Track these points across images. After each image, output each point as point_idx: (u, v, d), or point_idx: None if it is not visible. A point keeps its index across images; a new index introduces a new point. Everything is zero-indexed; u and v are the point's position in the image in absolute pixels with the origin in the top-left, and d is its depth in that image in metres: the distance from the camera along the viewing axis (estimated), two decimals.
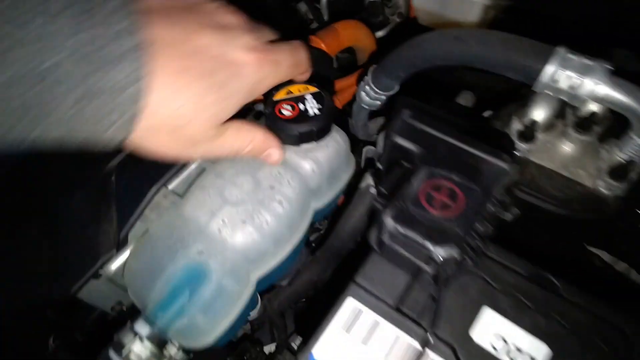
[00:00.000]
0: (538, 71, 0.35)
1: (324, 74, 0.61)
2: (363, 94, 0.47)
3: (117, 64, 0.21)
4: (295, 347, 0.61)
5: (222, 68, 0.26)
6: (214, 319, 0.37)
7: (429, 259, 0.27)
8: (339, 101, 0.62)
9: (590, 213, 0.37)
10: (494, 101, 0.49)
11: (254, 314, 0.52)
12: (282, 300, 0.47)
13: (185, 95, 0.24)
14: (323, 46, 0.62)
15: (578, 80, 0.33)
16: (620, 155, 0.37)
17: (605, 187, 0.38)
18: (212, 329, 0.37)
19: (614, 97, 0.33)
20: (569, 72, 0.34)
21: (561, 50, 0.34)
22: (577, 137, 0.40)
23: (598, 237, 0.38)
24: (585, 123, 0.39)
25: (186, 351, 0.42)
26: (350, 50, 0.69)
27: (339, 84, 0.63)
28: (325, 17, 0.71)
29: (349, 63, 0.71)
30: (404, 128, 0.32)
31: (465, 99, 0.57)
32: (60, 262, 0.36)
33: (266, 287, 0.49)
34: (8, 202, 0.38)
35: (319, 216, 0.48)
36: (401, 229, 0.27)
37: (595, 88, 0.33)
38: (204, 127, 0.26)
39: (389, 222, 0.28)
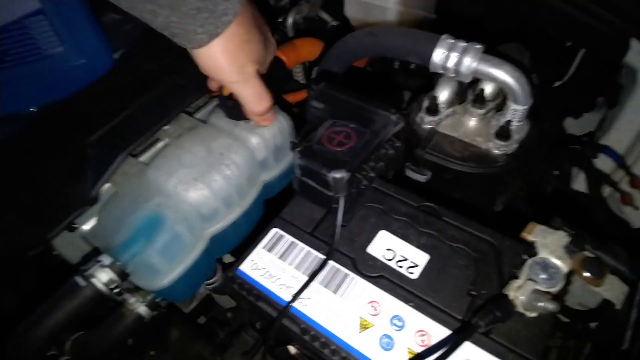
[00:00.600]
0: (430, 53, 0.44)
1: (279, 78, 0.70)
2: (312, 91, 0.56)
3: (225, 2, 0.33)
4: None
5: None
6: (169, 262, 0.43)
7: (327, 183, 0.34)
8: (299, 110, 0.71)
9: (483, 168, 0.45)
10: None
11: (215, 283, 0.58)
12: None
13: (245, 37, 0.37)
14: (283, 58, 0.73)
15: (459, 59, 0.43)
16: (502, 120, 0.45)
17: (494, 147, 0.46)
18: (167, 272, 0.44)
19: (485, 70, 0.42)
20: (452, 53, 0.43)
21: (445, 37, 0.44)
22: (474, 111, 0.48)
23: (490, 187, 0.45)
24: (478, 99, 0.48)
25: (150, 307, 0.48)
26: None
27: (298, 96, 0.72)
28: (290, 35, 0.82)
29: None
30: (318, 94, 0.41)
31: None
32: (39, 213, 0.43)
33: (222, 254, 0.56)
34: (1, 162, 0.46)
35: (269, 191, 0.55)
36: (305, 162, 0.35)
37: (471, 64, 0.42)
38: (248, 59, 0.38)
39: (296, 157, 0.36)
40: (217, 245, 0.50)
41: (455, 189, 0.48)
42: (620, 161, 0.56)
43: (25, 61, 0.51)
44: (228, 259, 0.68)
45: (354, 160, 0.35)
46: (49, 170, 0.46)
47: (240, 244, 0.52)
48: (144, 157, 0.51)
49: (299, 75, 0.78)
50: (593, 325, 0.47)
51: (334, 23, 0.87)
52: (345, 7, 0.58)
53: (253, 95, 0.42)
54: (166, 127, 0.52)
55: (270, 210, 0.53)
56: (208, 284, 0.56)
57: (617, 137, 0.58)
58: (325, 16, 0.89)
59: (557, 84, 0.78)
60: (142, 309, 0.47)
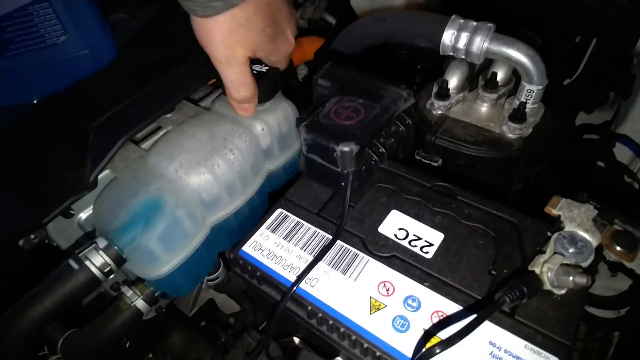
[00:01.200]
0: (440, 35, 0.43)
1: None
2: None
3: None
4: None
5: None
6: (168, 249, 0.41)
7: (334, 158, 0.33)
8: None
9: (498, 152, 0.43)
10: None
11: (217, 279, 0.56)
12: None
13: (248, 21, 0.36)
14: None
15: (469, 39, 0.41)
16: (516, 102, 0.43)
17: (508, 130, 0.44)
18: (166, 259, 0.41)
19: (496, 49, 0.41)
20: (462, 33, 0.42)
21: (454, 17, 0.42)
22: (486, 95, 0.47)
23: (504, 172, 0.43)
24: (490, 83, 0.46)
25: (148, 301, 0.46)
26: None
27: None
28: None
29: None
30: (325, 73, 0.40)
31: None
32: (37, 198, 0.41)
33: (225, 247, 0.53)
34: (3, 150, 0.45)
35: (274, 183, 0.54)
36: (312, 136, 0.34)
37: (483, 44, 0.41)
38: (242, 44, 0.37)
39: (302, 131, 0.34)
40: (219, 237, 0.48)
41: (467, 176, 0.45)
42: (637, 150, 0.54)
43: (28, 50, 0.51)
44: None
45: (363, 133, 0.33)
46: (49, 156, 0.44)
47: None
48: (145, 145, 0.49)
49: (302, 73, 0.77)
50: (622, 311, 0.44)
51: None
52: None
53: (235, 82, 0.41)
54: (168, 115, 0.51)
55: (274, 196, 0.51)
56: (210, 280, 0.54)
57: (633, 128, 0.56)
58: (330, 18, 0.89)
59: (567, 81, 0.77)
60: (139, 303, 0.45)
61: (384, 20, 0.47)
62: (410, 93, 0.37)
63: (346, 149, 0.32)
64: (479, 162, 0.44)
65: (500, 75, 0.47)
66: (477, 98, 0.48)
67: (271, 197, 0.54)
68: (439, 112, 0.47)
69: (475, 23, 0.42)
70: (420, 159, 0.46)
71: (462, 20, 0.42)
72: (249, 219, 0.51)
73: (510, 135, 0.44)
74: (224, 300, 0.70)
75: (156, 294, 0.46)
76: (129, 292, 0.45)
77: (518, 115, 0.43)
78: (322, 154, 0.34)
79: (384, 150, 0.36)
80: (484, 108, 0.48)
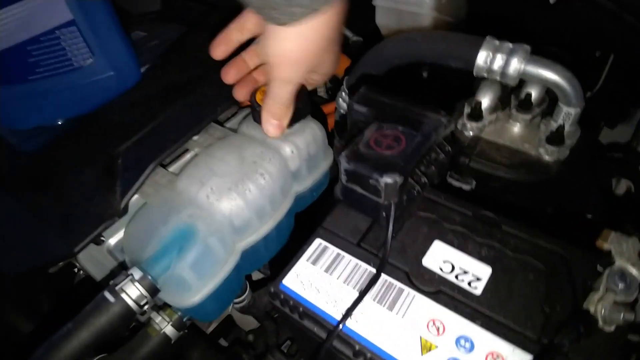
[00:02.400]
0: (474, 57, 0.42)
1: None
2: (340, 100, 0.55)
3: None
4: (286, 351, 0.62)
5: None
6: (200, 277, 0.41)
7: (377, 189, 0.32)
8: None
9: (534, 176, 0.42)
10: None
11: (243, 302, 0.55)
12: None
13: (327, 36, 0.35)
14: None
15: (505, 60, 0.40)
16: (554, 124, 0.42)
17: (545, 153, 0.43)
18: (198, 287, 0.41)
19: (534, 71, 0.40)
20: (498, 55, 0.41)
21: (489, 39, 0.42)
22: (520, 116, 0.46)
23: (542, 196, 0.42)
24: (524, 104, 0.45)
25: (177, 327, 0.45)
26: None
27: (327, 108, 0.71)
28: None
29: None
30: (361, 98, 0.39)
31: None
32: (67, 225, 0.41)
33: (253, 270, 0.53)
34: (25, 177, 0.45)
35: (301, 204, 0.53)
36: (353, 166, 0.33)
37: (519, 66, 0.40)
38: (311, 64, 0.37)
39: (343, 161, 0.33)
40: (247, 261, 0.47)
41: (504, 199, 0.44)
42: None
43: (55, 73, 0.51)
44: (256, 275, 0.64)
45: (406, 164, 0.32)
46: (77, 182, 0.44)
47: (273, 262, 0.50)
48: (173, 168, 0.49)
49: (321, 90, 0.76)
50: None
51: (355, 38, 0.86)
52: (377, 16, 0.57)
53: (282, 100, 0.41)
54: (196, 137, 0.50)
55: (302, 222, 0.51)
56: (236, 303, 0.53)
57: None
58: (348, 33, 0.89)
59: (588, 94, 0.76)
60: (168, 330, 0.44)
61: (415, 41, 0.46)
62: (449, 119, 0.36)
63: (390, 180, 0.31)
64: (516, 186, 0.43)
65: (534, 95, 0.46)
66: (511, 118, 0.47)
67: (297, 218, 0.53)
68: (472, 133, 0.46)
69: (511, 45, 0.41)
70: (452, 182, 0.45)
71: (497, 42, 0.41)
72: (276, 241, 0.51)
73: (547, 157, 0.43)
74: (242, 316, 0.69)
75: (184, 319, 0.45)
76: (157, 318, 0.44)
77: (556, 138, 0.42)
78: (362, 185, 0.33)
79: (426, 180, 0.35)
80: (517, 128, 0.47)
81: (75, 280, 0.49)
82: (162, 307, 0.45)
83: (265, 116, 0.43)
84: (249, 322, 0.69)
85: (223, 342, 0.69)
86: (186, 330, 0.48)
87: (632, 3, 0.51)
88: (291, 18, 0.32)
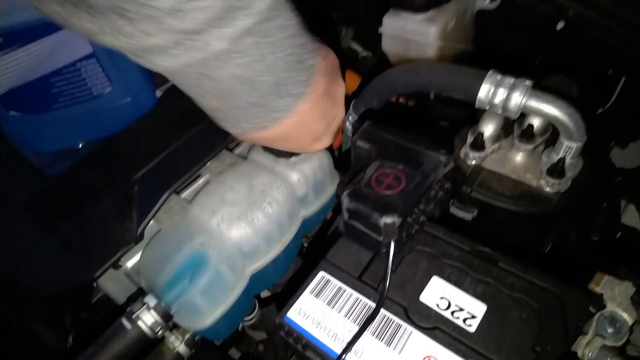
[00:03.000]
0: (476, 90, 0.43)
1: None
2: (347, 124, 0.56)
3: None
4: None
5: None
6: (211, 302, 0.43)
7: (377, 227, 0.33)
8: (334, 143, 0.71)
9: (535, 207, 0.43)
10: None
11: (252, 320, 0.57)
12: None
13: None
14: None
15: (506, 95, 0.41)
16: (555, 156, 0.43)
17: (546, 184, 0.44)
18: (209, 312, 0.43)
19: (535, 106, 0.40)
20: (499, 89, 0.42)
21: (491, 72, 0.43)
22: (522, 146, 0.47)
23: (542, 227, 0.43)
24: (526, 134, 0.46)
25: (189, 346, 0.47)
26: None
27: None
28: None
29: None
30: (364, 134, 0.41)
31: None
32: (87, 251, 0.44)
33: (262, 290, 0.55)
34: (49, 202, 0.48)
35: (308, 225, 0.55)
36: (354, 206, 0.34)
37: (520, 100, 0.41)
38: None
39: (345, 200, 0.35)
40: (256, 283, 0.49)
41: (504, 228, 0.45)
42: None
43: (76, 101, 0.53)
44: (264, 293, 0.67)
45: (405, 204, 0.34)
46: (98, 208, 0.47)
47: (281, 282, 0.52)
48: (186, 194, 0.51)
49: None
50: None
51: (365, 54, 0.88)
52: (383, 42, 0.59)
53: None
54: (207, 164, 0.52)
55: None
56: (246, 321, 0.56)
57: None
58: (357, 47, 0.90)
59: (600, 110, 0.75)
60: (181, 348, 0.47)
61: (419, 72, 0.47)
62: (449, 158, 0.37)
63: (389, 220, 0.33)
64: (516, 217, 0.44)
65: (537, 125, 0.47)
66: (513, 147, 0.48)
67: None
68: (474, 162, 0.48)
69: (512, 80, 0.42)
70: (454, 211, 0.46)
71: (499, 76, 0.42)
72: (284, 262, 0.53)
73: (548, 189, 0.44)
74: None
75: (196, 338, 0.48)
76: (171, 337, 0.47)
77: (557, 171, 0.43)
78: (363, 223, 0.35)
79: (424, 218, 0.36)
80: (519, 158, 0.47)
81: (94, 298, 0.52)
82: (175, 325, 0.48)
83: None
84: (260, 331, 0.71)
85: (234, 351, 0.72)
86: (198, 344, 0.51)
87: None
88: (235, 130, 0.34)
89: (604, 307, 0.30)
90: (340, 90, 0.42)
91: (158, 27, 0.23)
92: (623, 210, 0.60)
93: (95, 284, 0.47)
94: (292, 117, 0.33)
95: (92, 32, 0.24)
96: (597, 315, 0.29)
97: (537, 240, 0.45)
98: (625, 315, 0.29)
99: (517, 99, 0.41)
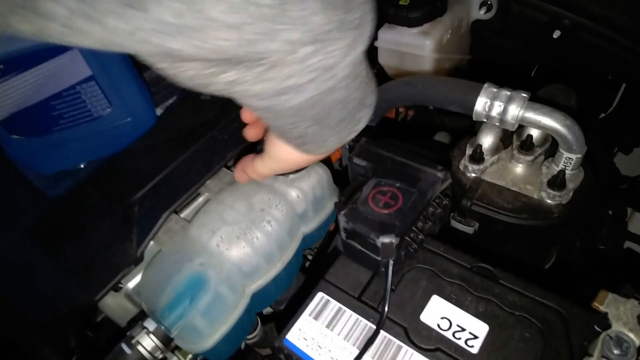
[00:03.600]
0: (473, 103, 0.43)
1: None
2: None
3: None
4: None
5: None
6: (212, 324, 0.43)
7: (375, 247, 0.33)
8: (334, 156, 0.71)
9: (537, 220, 0.42)
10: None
11: (255, 337, 0.57)
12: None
13: None
14: None
15: (503, 108, 0.41)
16: (555, 168, 0.43)
17: (547, 196, 0.43)
18: (210, 333, 0.43)
19: (532, 118, 0.40)
20: (496, 102, 0.41)
21: (487, 85, 0.42)
22: (521, 157, 0.46)
23: (544, 239, 0.42)
24: (525, 145, 0.46)
25: None
26: None
27: None
28: None
29: None
30: (361, 151, 0.40)
31: (440, 138, 0.65)
32: (88, 274, 0.44)
33: (263, 308, 0.54)
34: (51, 225, 0.48)
35: (309, 241, 0.55)
36: (352, 225, 0.34)
37: (517, 113, 0.41)
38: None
39: (342, 220, 0.35)
40: (257, 301, 0.49)
41: (506, 241, 0.45)
42: None
43: (77, 123, 0.54)
44: (266, 309, 0.66)
45: (402, 223, 0.33)
46: (98, 230, 0.47)
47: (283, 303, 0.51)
48: (185, 213, 0.51)
49: None
50: None
51: None
52: (379, 56, 0.59)
53: (262, 174, 0.41)
54: (207, 182, 0.52)
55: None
56: (249, 339, 0.55)
57: None
58: None
59: (602, 115, 0.75)
60: None
61: (415, 86, 0.47)
62: (446, 174, 0.37)
63: (387, 240, 0.32)
64: (518, 229, 0.43)
65: (536, 136, 0.46)
66: (513, 158, 0.47)
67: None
68: (474, 175, 0.47)
69: (508, 92, 0.41)
70: (455, 225, 0.46)
71: (494, 89, 0.42)
72: (285, 280, 0.52)
73: (549, 201, 0.43)
74: None
75: (198, 359, 0.48)
76: (173, 358, 0.47)
77: (557, 183, 0.42)
78: (361, 243, 0.34)
79: (422, 236, 0.36)
80: (519, 169, 0.47)
81: (99, 317, 0.52)
82: (177, 347, 0.48)
83: (241, 167, 0.43)
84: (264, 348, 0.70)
85: None
86: None
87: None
88: (327, 149, 0.32)
89: (609, 326, 0.29)
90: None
91: (300, 68, 0.23)
92: (629, 218, 0.59)
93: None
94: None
95: (232, 82, 0.24)
96: (602, 336, 0.29)
97: (540, 253, 0.44)
98: (632, 336, 0.28)
99: (514, 112, 0.41)
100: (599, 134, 0.71)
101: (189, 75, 0.24)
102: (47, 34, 0.18)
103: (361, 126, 0.32)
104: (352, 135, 0.32)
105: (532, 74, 0.62)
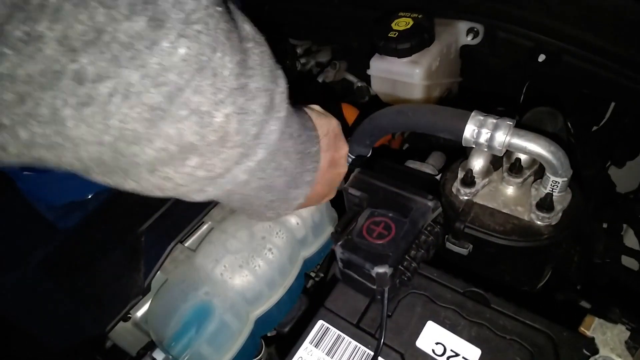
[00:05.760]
0: (461, 130, 0.45)
1: None
2: None
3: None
4: None
5: None
6: (218, 351, 0.44)
7: (370, 277, 0.35)
8: None
9: (527, 241, 0.44)
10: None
11: None
12: None
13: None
14: None
15: (490, 135, 0.43)
16: (543, 190, 0.44)
17: (537, 218, 0.45)
18: None
19: (519, 144, 0.42)
20: (483, 130, 0.43)
21: (475, 113, 0.44)
22: (511, 179, 0.48)
23: (535, 260, 0.44)
24: (515, 168, 0.47)
25: None
26: None
27: None
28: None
29: None
30: (355, 182, 0.42)
31: (435, 158, 0.67)
32: (99, 306, 0.46)
33: (267, 332, 0.56)
34: (62, 258, 0.50)
35: (310, 264, 0.56)
36: (347, 255, 0.36)
37: (503, 139, 0.42)
38: None
39: (338, 251, 0.36)
40: (261, 326, 0.50)
41: (499, 262, 0.46)
42: None
43: None
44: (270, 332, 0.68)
45: (395, 253, 0.35)
46: (106, 261, 0.49)
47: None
48: (190, 242, 0.53)
49: None
50: None
51: (360, 84, 0.90)
52: (372, 83, 0.61)
53: None
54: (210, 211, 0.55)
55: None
56: None
57: None
58: (351, 78, 0.93)
59: (594, 128, 0.76)
60: None
61: (406, 114, 0.49)
62: (437, 203, 0.39)
63: (381, 271, 0.34)
64: (510, 251, 0.45)
65: (524, 159, 0.48)
66: (503, 180, 0.49)
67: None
68: (466, 197, 0.49)
69: (495, 120, 0.43)
70: (450, 247, 0.47)
71: (482, 117, 0.44)
72: (287, 303, 0.54)
73: (539, 222, 0.45)
74: None
75: None
76: None
77: (545, 205, 0.44)
78: (357, 272, 0.36)
79: (415, 264, 0.37)
80: (510, 191, 0.49)
81: (107, 346, 0.54)
82: None
83: None
84: None
85: None
86: None
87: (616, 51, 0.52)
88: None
89: (597, 351, 0.31)
90: (343, 152, 0.45)
91: (193, 180, 0.29)
92: (624, 232, 0.60)
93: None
94: (306, 199, 0.38)
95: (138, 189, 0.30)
96: None
97: (533, 273, 0.45)
98: None
99: (501, 138, 0.43)
100: (592, 147, 0.73)
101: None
102: None
103: (299, 201, 0.37)
104: (291, 210, 0.38)
105: (522, 95, 0.64)
